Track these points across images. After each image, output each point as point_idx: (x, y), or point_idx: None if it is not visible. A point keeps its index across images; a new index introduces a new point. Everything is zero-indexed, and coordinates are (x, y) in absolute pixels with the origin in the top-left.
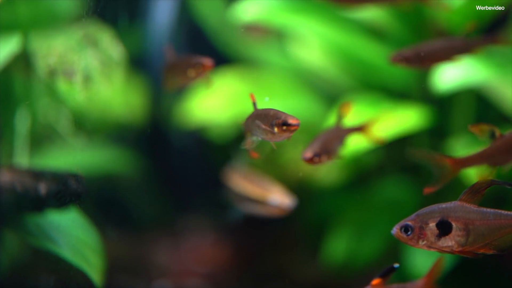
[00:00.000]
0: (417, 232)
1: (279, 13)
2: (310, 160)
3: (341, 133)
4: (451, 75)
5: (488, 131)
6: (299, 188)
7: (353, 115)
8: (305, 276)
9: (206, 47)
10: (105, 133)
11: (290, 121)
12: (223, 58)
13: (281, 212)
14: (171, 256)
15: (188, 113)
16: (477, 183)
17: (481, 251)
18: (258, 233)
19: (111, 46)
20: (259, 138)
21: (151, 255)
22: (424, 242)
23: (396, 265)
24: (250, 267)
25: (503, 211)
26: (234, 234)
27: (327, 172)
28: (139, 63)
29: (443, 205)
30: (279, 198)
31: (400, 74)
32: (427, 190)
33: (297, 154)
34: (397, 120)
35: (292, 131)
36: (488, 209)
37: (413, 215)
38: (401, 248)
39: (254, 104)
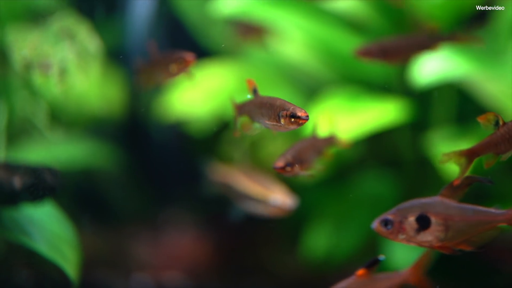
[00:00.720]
0: (397, 226)
1: (259, 6)
2: (282, 169)
3: (318, 143)
4: (430, 69)
5: (494, 120)
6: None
7: (332, 108)
8: (285, 270)
9: (186, 40)
10: (82, 126)
11: (299, 113)
12: (203, 51)
13: (282, 212)
14: (151, 250)
15: (167, 106)
16: (457, 179)
17: (460, 247)
18: (239, 228)
19: (87, 39)
20: (262, 126)
21: (131, 249)
22: (404, 236)
23: (381, 257)
24: (230, 262)
25: (482, 208)
26: (215, 228)
27: None
28: (118, 56)
29: (423, 200)
30: (280, 198)
31: (381, 67)
32: (456, 183)
33: (276, 149)
34: (377, 114)
35: (300, 124)
36: (468, 205)
37: (393, 209)
38: (381, 242)
39: (255, 90)
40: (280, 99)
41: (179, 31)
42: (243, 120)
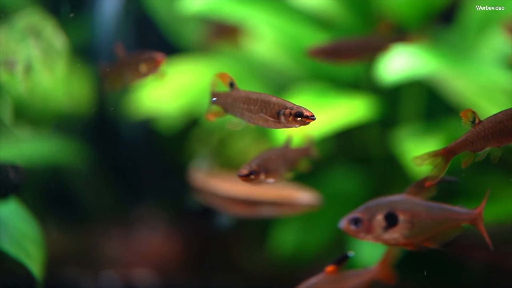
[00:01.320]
0: (365, 225)
1: (227, 3)
2: (246, 177)
3: (290, 154)
4: (397, 66)
5: (472, 117)
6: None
7: (300, 105)
8: (254, 267)
9: (156, 38)
10: (49, 123)
11: (306, 113)
12: (174, 48)
13: (310, 209)
14: (121, 247)
15: (137, 103)
16: (424, 179)
17: (424, 244)
18: (209, 225)
19: (53, 36)
20: (244, 121)
21: (101, 246)
22: (372, 234)
23: (351, 253)
24: (200, 259)
25: (448, 206)
26: (185, 226)
27: None
28: (87, 53)
29: (390, 198)
30: (306, 196)
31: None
32: (429, 184)
33: (244, 146)
34: (345, 111)
35: (306, 123)
36: (434, 203)
37: (361, 208)
38: (348, 239)
39: (232, 83)
40: (273, 96)
41: (149, 29)
42: (215, 109)
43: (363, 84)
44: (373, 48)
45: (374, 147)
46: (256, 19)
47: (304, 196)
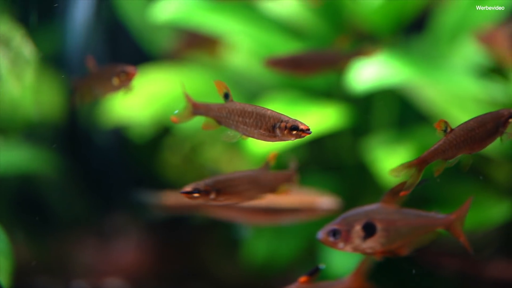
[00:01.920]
0: (344, 236)
1: (197, 12)
2: (187, 195)
3: (267, 178)
4: (367, 75)
5: (444, 126)
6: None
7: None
8: (227, 275)
9: (129, 46)
10: (18, 132)
11: (302, 126)
12: (147, 56)
13: (330, 213)
14: (93, 256)
15: (108, 111)
16: (397, 185)
17: (398, 251)
18: (182, 233)
19: (22, 45)
20: (239, 135)
21: (73, 255)
22: (350, 245)
23: (322, 266)
24: (173, 267)
25: (422, 212)
26: (158, 234)
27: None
28: (58, 61)
29: (367, 207)
30: (326, 201)
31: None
32: (403, 194)
33: (216, 154)
34: (317, 119)
35: (302, 137)
36: (408, 210)
37: (338, 219)
38: (320, 247)
39: (227, 94)
40: (268, 109)
41: (123, 37)
42: (208, 121)
43: (336, 92)
44: (330, 62)
45: (346, 155)
46: (228, 28)
47: (324, 200)
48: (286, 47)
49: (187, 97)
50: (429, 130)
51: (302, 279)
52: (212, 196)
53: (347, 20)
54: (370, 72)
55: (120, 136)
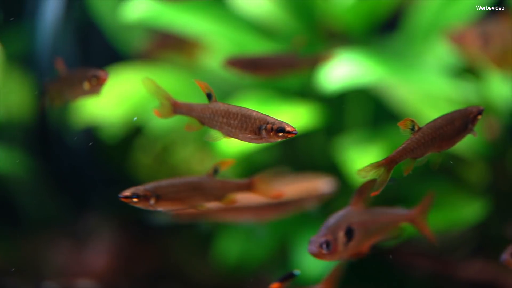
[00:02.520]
0: (334, 246)
1: (167, 11)
2: (127, 199)
3: (210, 186)
4: (338, 75)
5: (410, 125)
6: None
7: None
8: (200, 276)
9: (102, 45)
10: None
11: (288, 128)
12: (120, 56)
13: (331, 196)
14: (65, 257)
15: (80, 111)
16: (361, 186)
17: (366, 250)
18: (155, 234)
19: None
20: (222, 136)
21: (45, 257)
22: (338, 254)
23: (297, 271)
24: (146, 268)
25: (388, 209)
26: (131, 235)
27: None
28: (27, 61)
29: (341, 212)
30: (326, 184)
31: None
32: (373, 194)
33: (188, 154)
34: (288, 119)
35: (287, 138)
36: (376, 209)
37: (324, 229)
38: (292, 247)
39: (210, 95)
40: (253, 110)
41: (95, 36)
42: (191, 121)
43: (310, 92)
44: (288, 65)
45: (319, 155)
46: (200, 28)
47: (324, 184)
48: (259, 46)
49: (167, 96)
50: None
51: (275, 285)
52: (152, 201)
53: (319, 19)
54: (341, 72)
55: (91, 136)
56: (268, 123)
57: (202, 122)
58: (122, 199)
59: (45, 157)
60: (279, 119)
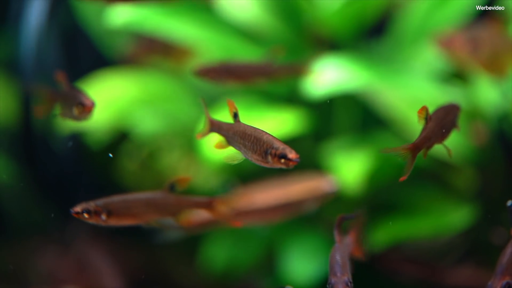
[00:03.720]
0: None
1: (153, 16)
2: (77, 215)
3: (164, 202)
4: (326, 80)
5: (425, 113)
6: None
7: (227, 119)
8: (188, 282)
9: (88, 50)
10: None
11: (290, 155)
12: (107, 61)
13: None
14: (51, 264)
15: None
16: (337, 224)
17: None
18: (142, 240)
19: None
20: (242, 156)
21: (30, 263)
22: None
23: None
24: (133, 275)
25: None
26: (118, 242)
27: (205, 178)
28: (12, 66)
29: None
30: (329, 183)
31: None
32: (402, 179)
33: (173, 160)
34: (274, 124)
35: (289, 166)
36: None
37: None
38: (279, 253)
39: (236, 114)
40: (266, 133)
41: (82, 41)
42: (221, 140)
43: (297, 97)
44: (261, 73)
45: (307, 161)
46: (186, 33)
47: (327, 183)
48: (246, 51)
49: (206, 114)
50: (389, 135)
51: None
52: (103, 217)
53: (307, 24)
54: (328, 77)
55: (77, 142)
56: (273, 148)
57: (228, 142)
58: (74, 215)
59: (30, 163)
60: (286, 145)
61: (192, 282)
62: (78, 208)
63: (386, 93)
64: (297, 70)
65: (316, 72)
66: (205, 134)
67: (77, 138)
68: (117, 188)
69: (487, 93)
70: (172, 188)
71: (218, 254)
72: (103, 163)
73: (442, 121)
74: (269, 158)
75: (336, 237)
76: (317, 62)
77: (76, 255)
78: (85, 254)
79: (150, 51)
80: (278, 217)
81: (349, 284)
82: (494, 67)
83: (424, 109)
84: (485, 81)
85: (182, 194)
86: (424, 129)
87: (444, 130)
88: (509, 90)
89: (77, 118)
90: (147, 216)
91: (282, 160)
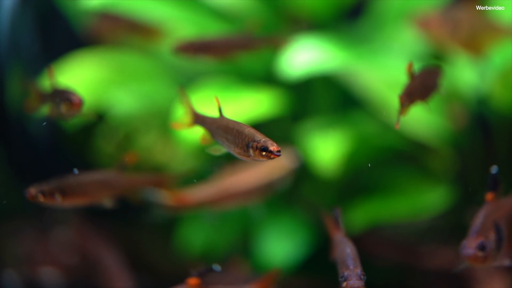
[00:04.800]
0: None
1: None
2: (32, 197)
3: (114, 180)
4: (301, 61)
5: (412, 70)
6: None
7: (203, 99)
8: (165, 265)
9: (64, 31)
10: None
11: (271, 147)
12: (83, 42)
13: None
14: (29, 247)
15: None
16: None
17: None
18: (122, 223)
19: None
20: (224, 149)
21: (7, 246)
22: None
23: (216, 267)
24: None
25: None
26: (96, 226)
27: (182, 161)
28: None
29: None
30: (289, 159)
31: (261, 58)
32: (397, 126)
33: (150, 142)
34: (250, 105)
35: (271, 158)
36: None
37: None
38: (255, 236)
39: (220, 109)
40: (248, 126)
41: (58, 22)
42: (205, 134)
43: (274, 78)
44: (240, 46)
45: (283, 142)
46: (161, 12)
47: (288, 159)
48: (221, 30)
49: (190, 107)
50: (367, 116)
51: (192, 280)
52: (58, 198)
53: (285, 4)
54: (304, 58)
55: (53, 124)
56: (254, 140)
57: (212, 135)
58: (29, 198)
59: (6, 146)
60: (267, 138)
61: (169, 264)
62: (32, 191)
63: (364, 74)
64: (275, 42)
65: (292, 48)
66: (188, 126)
67: (52, 120)
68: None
69: (466, 74)
70: (122, 166)
71: (195, 237)
72: (78, 145)
73: (425, 80)
74: (251, 151)
75: (334, 229)
76: (294, 42)
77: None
78: (97, 252)
79: (114, 29)
80: (256, 198)
81: (361, 277)
82: (472, 47)
83: (411, 65)
84: (464, 63)
85: (133, 173)
86: (407, 85)
87: (425, 90)
88: (487, 70)
89: (66, 115)
90: (100, 195)
91: (264, 153)
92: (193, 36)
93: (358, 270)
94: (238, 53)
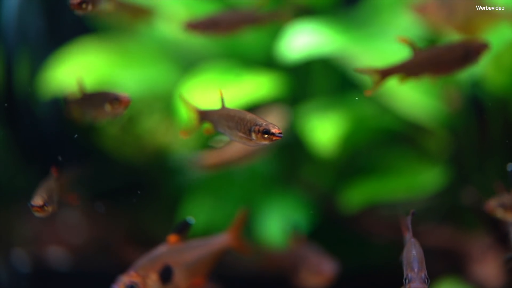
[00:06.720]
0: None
1: None
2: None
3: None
4: (299, 44)
5: (412, 44)
6: (156, 158)
7: (204, 83)
8: None
9: (71, 17)
10: None
11: (273, 130)
12: (88, 28)
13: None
14: (36, 227)
15: (47, 81)
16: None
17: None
18: (126, 205)
19: None
20: (229, 138)
21: (15, 226)
22: None
23: (190, 219)
24: (116, 237)
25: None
26: (105, 205)
27: (184, 142)
28: None
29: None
30: (278, 117)
31: (261, 42)
32: (368, 93)
33: (153, 124)
34: (250, 88)
35: (273, 141)
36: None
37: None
38: (255, 214)
39: (222, 100)
40: (249, 113)
41: (63, 8)
42: (206, 126)
43: (274, 62)
44: (247, 21)
45: None
46: None
47: (277, 117)
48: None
49: (193, 108)
50: (364, 98)
51: (171, 237)
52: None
53: None
54: (302, 41)
55: (59, 106)
56: (256, 124)
57: (215, 127)
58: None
59: (13, 128)
60: (269, 121)
61: None
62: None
63: (361, 58)
64: (280, 16)
65: (290, 35)
66: (195, 126)
67: (59, 103)
68: (98, 152)
69: None
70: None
71: (197, 215)
72: (84, 128)
73: (438, 56)
74: (253, 135)
75: (405, 230)
76: (293, 26)
77: None
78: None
79: (131, 16)
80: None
81: (426, 281)
82: (468, 31)
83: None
84: None
85: None
86: (404, 60)
87: (440, 65)
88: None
89: (110, 115)
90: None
91: (266, 136)
92: (193, 16)
93: (423, 274)
94: (245, 27)
